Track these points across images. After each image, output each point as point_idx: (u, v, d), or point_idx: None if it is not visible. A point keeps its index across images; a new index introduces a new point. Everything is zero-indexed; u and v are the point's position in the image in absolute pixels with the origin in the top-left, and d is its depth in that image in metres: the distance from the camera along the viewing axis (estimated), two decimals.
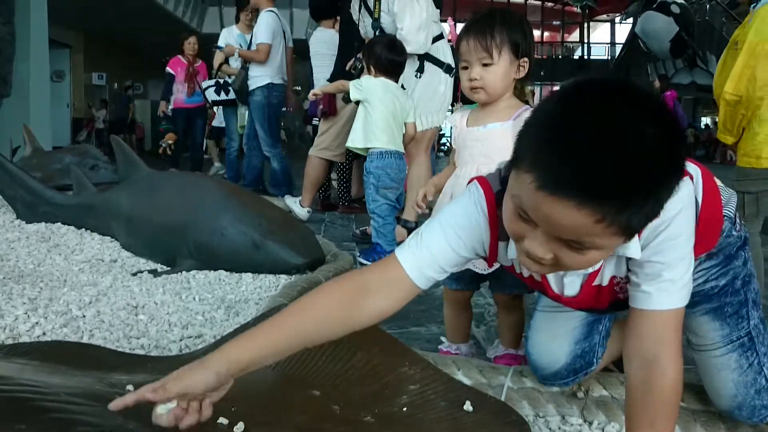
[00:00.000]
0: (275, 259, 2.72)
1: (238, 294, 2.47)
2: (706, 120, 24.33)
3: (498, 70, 1.68)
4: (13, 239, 3.32)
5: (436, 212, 1.76)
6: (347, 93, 3.77)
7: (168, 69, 7.50)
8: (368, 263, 3.22)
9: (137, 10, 14.62)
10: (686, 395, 1.43)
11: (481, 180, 1.18)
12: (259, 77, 5.61)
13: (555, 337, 1.45)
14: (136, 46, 18.93)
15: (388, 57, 3.21)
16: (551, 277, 1.23)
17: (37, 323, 1.98)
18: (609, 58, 25.99)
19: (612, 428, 1.42)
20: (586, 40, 25.89)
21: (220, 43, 6.30)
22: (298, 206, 4.66)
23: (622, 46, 23.89)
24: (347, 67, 4.07)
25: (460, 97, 4.06)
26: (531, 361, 1.50)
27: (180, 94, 7.50)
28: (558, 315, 1.45)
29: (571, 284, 1.21)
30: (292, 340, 1.08)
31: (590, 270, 1.16)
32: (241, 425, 1.10)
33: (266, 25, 5.54)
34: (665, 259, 1.08)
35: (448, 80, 3.69)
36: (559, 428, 1.44)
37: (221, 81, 6.49)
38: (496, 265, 1.30)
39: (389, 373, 1.38)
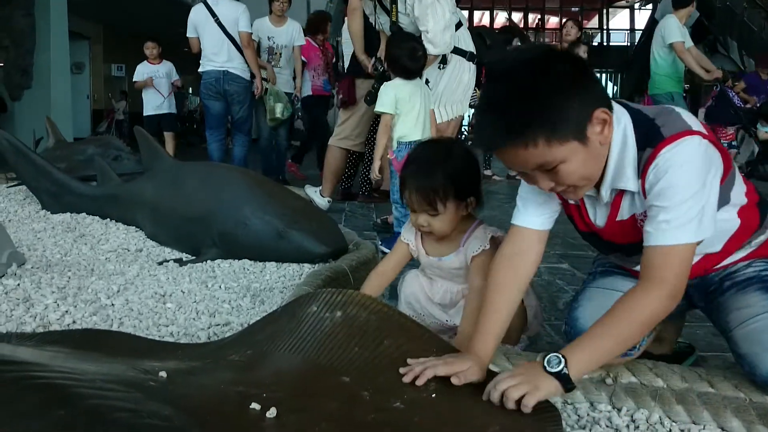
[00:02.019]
0: (299, 249, 2.73)
1: (262, 283, 2.49)
2: None
3: (445, 218, 1.71)
4: (39, 229, 3.37)
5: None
6: (368, 94, 3.76)
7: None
8: (389, 252, 3.22)
9: (156, 1, 14.64)
10: (717, 382, 1.42)
11: None
12: None
13: (607, 307, 1.46)
14: (156, 37, 18.98)
15: (408, 66, 3.19)
16: (589, 208, 1.45)
17: (66, 312, 2.01)
18: (628, 44, 25.74)
19: (641, 415, 1.42)
20: (605, 27, 25.64)
21: (253, 36, 6.23)
22: (318, 196, 4.67)
23: (641, 32, 23.65)
24: (369, 70, 4.07)
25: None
26: (576, 327, 1.52)
27: (317, 80, 6.69)
28: (613, 293, 1.50)
29: (600, 216, 1.44)
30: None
31: (607, 201, 1.39)
32: (273, 411, 1.11)
33: (188, 20, 5.67)
34: (663, 204, 1.25)
35: (471, 68, 3.68)
36: (588, 414, 1.44)
37: None
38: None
39: (417, 359, 1.39)
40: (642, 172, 1.28)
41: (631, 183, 1.30)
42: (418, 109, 3.20)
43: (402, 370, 1.32)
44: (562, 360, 1.23)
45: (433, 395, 1.28)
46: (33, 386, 1.05)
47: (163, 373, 1.23)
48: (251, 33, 5.66)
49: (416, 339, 1.45)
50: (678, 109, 1.33)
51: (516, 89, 1.20)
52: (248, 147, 5.91)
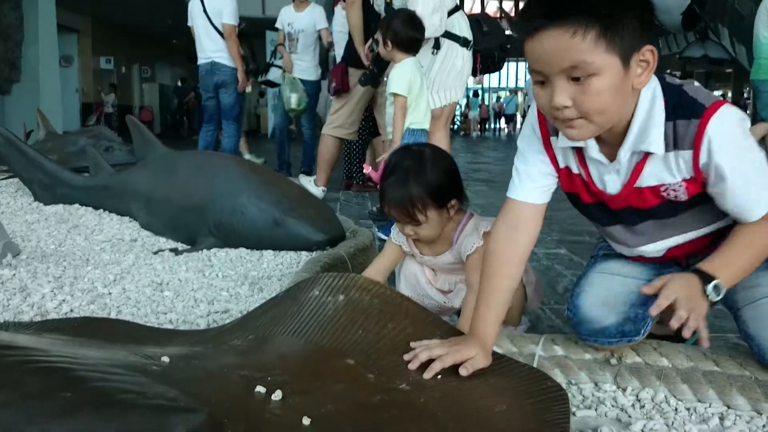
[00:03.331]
0: (296, 236, 2.72)
1: (260, 271, 2.47)
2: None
3: (429, 226, 1.71)
4: (33, 221, 3.34)
5: None
6: (363, 76, 3.72)
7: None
8: (387, 238, 3.21)
9: None
10: (722, 360, 1.42)
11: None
12: None
13: (609, 292, 1.47)
14: (143, 29, 18.88)
15: (409, 34, 3.14)
16: (594, 176, 1.39)
17: (64, 300, 2.00)
18: None
19: (646, 394, 1.41)
20: None
21: (277, 24, 6.16)
22: (312, 185, 4.66)
23: None
24: (365, 50, 4.03)
25: (480, 70, 3.99)
26: (579, 314, 1.47)
27: None
28: (616, 278, 1.50)
29: (612, 183, 1.37)
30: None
31: (620, 166, 1.33)
32: (278, 393, 1.10)
33: (188, 9, 5.82)
34: (738, 183, 1.26)
35: (465, 54, 3.64)
36: (593, 395, 1.43)
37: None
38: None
39: (420, 341, 1.38)
40: (693, 143, 1.26)
41: (655, 146, 1.27)
42: (426, 96, 3.18)
43: (406, 357, 1.31)
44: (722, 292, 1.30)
45: (439, 376, 1.28)
46: (36, 370, 1.03)
47: (165, 358, 1.21)
48: (235, 25, 5.67)
49: (419, 322, 1.44)
50: (696, 83, 1.35)
51: None
52: (238, 137, 5.90)
